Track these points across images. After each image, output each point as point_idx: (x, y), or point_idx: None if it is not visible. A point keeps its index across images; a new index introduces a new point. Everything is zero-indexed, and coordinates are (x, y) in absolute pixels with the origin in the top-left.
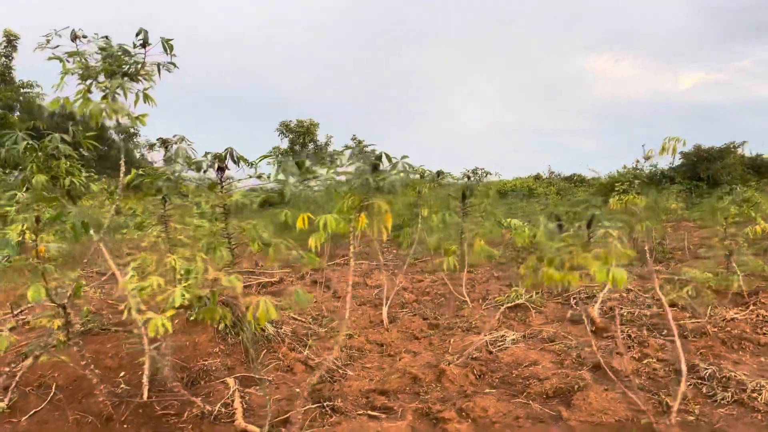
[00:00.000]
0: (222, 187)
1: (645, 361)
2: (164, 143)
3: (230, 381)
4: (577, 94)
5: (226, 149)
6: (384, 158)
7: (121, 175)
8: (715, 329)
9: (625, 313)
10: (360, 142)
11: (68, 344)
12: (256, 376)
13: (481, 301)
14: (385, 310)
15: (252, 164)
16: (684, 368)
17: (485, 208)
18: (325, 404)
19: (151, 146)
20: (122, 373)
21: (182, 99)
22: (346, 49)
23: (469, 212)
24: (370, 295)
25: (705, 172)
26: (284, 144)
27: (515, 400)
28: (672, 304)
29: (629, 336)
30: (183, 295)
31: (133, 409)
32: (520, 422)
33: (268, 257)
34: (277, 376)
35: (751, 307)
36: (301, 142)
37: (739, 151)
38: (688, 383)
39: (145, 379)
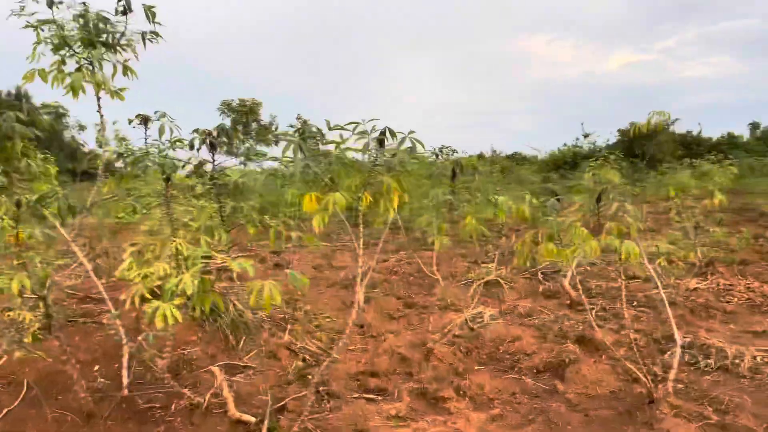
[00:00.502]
0: (214, 166)
1: (623, 332)
2: (144, 120)
3: (215, 370)
4: (517, 74)
5: (217, 125)
6: (388, 133)
7: (103, 155)
8: (681, 299)
9: (593, 287)
10: (305, 121)
11: (44, 338)
12: (240, 364)
13: (450, 278)
14: (360, 290)
15: (244, 140)
16: (678, 338)
17: (477, 185)
18: (320, 389)
19: (82, 127)
20: (97, 367)
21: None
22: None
23: (459, 189)
24: (336, 277)
25: (640, 149)
26: (227, 123)
27: (507, 376)
28: (634, 276)
29: (603, 308)
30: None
31: (115, 405)
32: (517, 398)
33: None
34: (262, 363)
35: (710, 278)
36: (243, 122)
37: (672, 128)
38: (670, 352)
39: (124, 372)
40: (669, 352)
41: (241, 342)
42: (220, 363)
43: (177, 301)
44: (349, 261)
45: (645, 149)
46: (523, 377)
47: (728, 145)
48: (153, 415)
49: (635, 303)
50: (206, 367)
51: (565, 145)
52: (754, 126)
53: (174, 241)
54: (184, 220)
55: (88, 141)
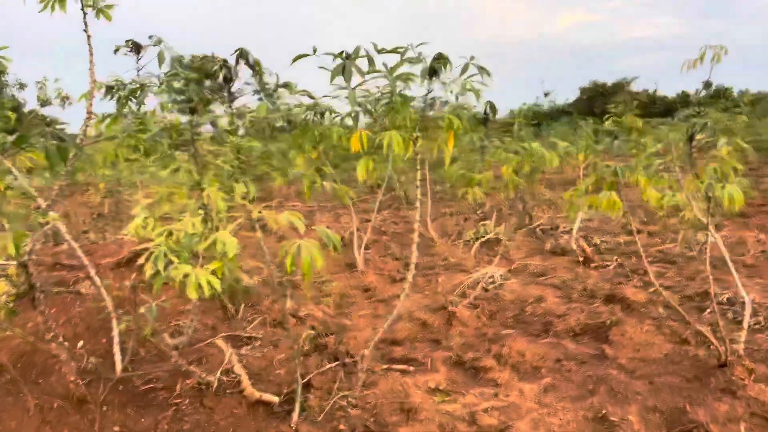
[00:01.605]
0: (231, 100)
1: (651, 290)
2: (136, 47)
3: (220, 343)
4: (467, 33)
5: (237, 50)
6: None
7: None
8: (692, 254)
9: (599, 243)
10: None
11: (16, 313)
12: (244, 335)
13: (447, 237)
14: (360, 252)
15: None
16: (747, 298)
17: (516, 132)
18: (345, 361)
19: (22, 86)
20: (80, 343)
21: (45, 36)
22: None
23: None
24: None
25: (600, 107)
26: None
27: (543, 340)
28: (637, 231)
29: (621, 265)
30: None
31: (110, 388)
32: (565, 365)
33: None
34: (268, 333)
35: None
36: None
37: (630, 87)
38: (709, 310)
39: (116, 349)
40: (709, 309)
41: (241, 310)
42: (223, 335)
43: (214, 265)
44: (330, 221)
45: (604, 108)
46: (561, 341)
47: (683, 104)
48: (156, 397)
49: (650, 259)
50: (207, 340)
51: (524, 104)
52: (707, 84)
53: (203, 189)
54: (216, 162)
55: (28, 100)
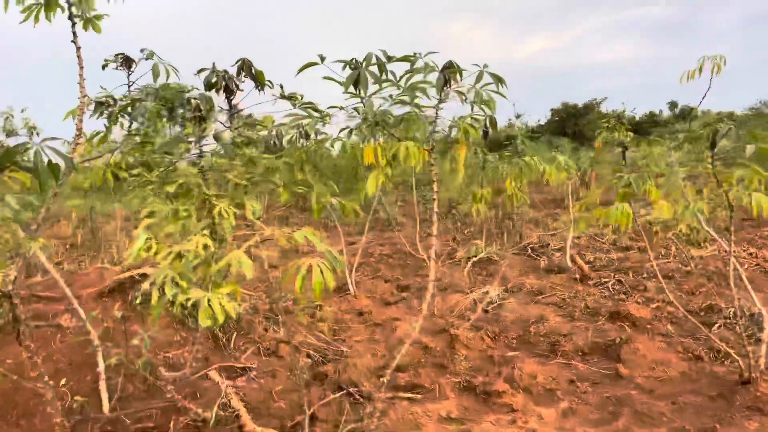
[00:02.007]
0: (232, 115)
1: (654, 306)
2: (127, 61)
3: (214, 375)
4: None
5: (238, 60)
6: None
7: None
8: (687, 268)
9: (592, 260)
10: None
11: None
12: (238, 366)
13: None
14: (350, 275)
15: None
16: (765, 312)
17: (520, 145)
18: (349, 389)
19: None
20: (63, 380)
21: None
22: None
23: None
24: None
25: (572, 128)
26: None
27: (553, 361)
28: (627, 248)
29: (619, 281)
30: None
31: (99, 428)
32: (579, 386)
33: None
34: (263, 362)
35: (708, 246)
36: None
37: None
38: (718, 324)
39: (102, 386)
40: (717, 324)
41: (233, 339)
42: (216, 366)
43: (228, 287)
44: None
45: (577, 128)
46: (571, 362)
47: (650, 124)
48: None
49: (644, 275)
50: (200, 372)
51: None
52: (673, 104)
53: (215, 204)
54: (229, 176)
55: None
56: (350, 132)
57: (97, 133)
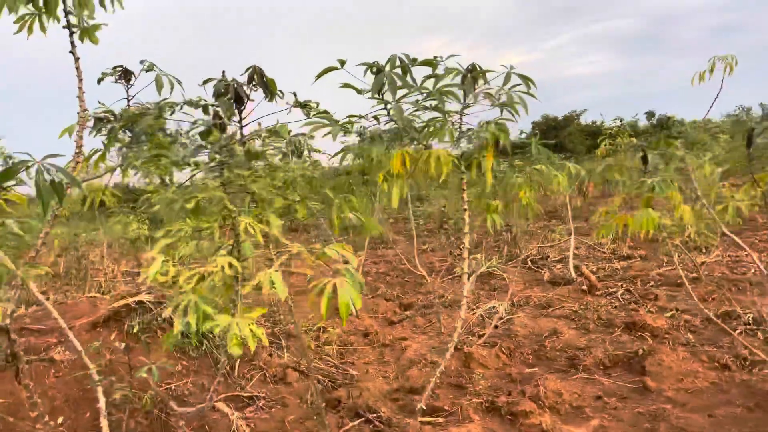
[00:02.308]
0: (242, 127)
1: (667, 314)
2: (125, 74)
3: (222, 406)
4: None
5: (249, 67)
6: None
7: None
8: (694, 275)
9: (596, 270)
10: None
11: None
12: (244, 395)
13: (435, 274)
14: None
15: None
16: None
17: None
18: (368, 415)
19: None
20: (60, 419)
21: None
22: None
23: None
24: (301, 282)
25: (553, 139)
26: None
27: (575, 377)
28: (628, 257)
29: (628, 291)
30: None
31: None
32: (607, 402)
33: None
34: (271, 390)
35: (712, 251)
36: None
37: (580, 120)
38: (738, 331)
39: (104, 423)
40: (738, 331)
41: (236, 367)
42: (223, 396)
43: (257, 312)
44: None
45: (558, 140)
46: (594, 376)
47: (631, 134)
48: None
49: (651, 283)
50: (202, 402)
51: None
52: (650, 114)
53: (240, 221)
54: (254, 187)
55: None
56: (371, 140)
57: (96, 151)
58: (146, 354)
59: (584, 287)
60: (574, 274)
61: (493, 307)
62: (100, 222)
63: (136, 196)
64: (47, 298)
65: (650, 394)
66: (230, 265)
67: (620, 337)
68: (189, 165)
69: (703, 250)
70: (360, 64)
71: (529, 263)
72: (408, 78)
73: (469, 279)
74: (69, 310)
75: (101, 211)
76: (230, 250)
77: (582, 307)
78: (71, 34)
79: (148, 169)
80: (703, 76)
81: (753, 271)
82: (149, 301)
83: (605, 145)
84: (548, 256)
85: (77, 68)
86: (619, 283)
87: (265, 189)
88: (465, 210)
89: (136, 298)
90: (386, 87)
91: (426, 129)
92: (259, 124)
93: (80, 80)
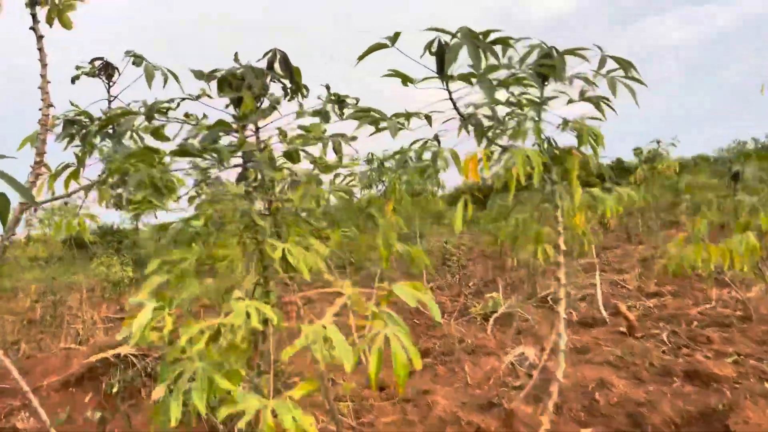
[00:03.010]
0: (258, 126)
1: (731, 360)
2: (107, 68)
3: None
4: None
5: (268, 52)
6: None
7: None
8: (738, 313)
9: (627, 308)
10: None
11: None
12: None
13: (447, 315)
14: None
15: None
16: None
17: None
18: None
19: None
20: None
21: None
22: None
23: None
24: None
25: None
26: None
27: None
28: (656, 293)
29: (674, 332)
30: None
31: None
32: None
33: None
34: None
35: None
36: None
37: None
38: None
39: None
40: None
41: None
42: None
43: (301, 389)
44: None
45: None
46: None
47: (620, 169)
48: None
49: (695, 323)
50: None
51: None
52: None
53: (275, 246)
54: (293, 198)
55: None
56: (436, 140)
57: (66, 166)
58: (126, 425)
59: (622, 328)
60: (605, 314)
61: (522, 353)
62: (82, 264)
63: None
64: (18, 349)
65: None
66: (258, 313)
67: (683, 388)
68: (202, 155)
69: (737, 284)
70: (428, 45)
71: (550, 301)
72: (486, 57)
73: (489, 322)
74: (39, 365)
75: (81, 253)
76: (249, 291)
77: (627, 351)
78: (33, 4)
79: (133, 166)
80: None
81: None
82: (131, 354)
83: (641, 170)
84: (570, 294)
85: (40, 50)
86: (660, 324)
87: (307, 201)
88: (560, 234)
89: (116, 351)
90: (451, 66)
91: (504, 123)
92: (280, 130)
93: (44, 65)
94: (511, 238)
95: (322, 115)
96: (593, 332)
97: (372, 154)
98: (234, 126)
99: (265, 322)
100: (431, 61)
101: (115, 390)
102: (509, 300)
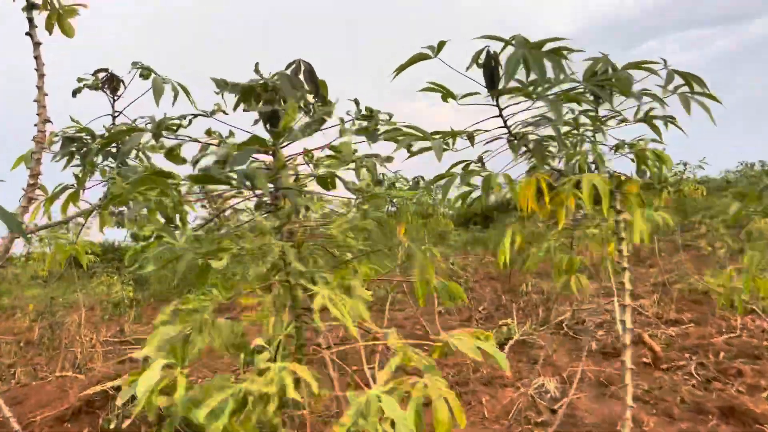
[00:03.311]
0: (277, 145)
1: (766, 395)
2: (111, 81)
3: None
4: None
5: (292, 63)
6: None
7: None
8: (766, 343)
9: (650, 335)
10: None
11: None
12: None
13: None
14: (375, 371)
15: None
16: None
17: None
18: None
19: None
20: None
21: None
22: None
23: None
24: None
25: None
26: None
27: None
28: (675, 321)
29: (701, 364)
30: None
31: None
32: None
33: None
34: None
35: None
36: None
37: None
38: None
39: None
40: None
41: None
42: None
43: None
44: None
45: None
46: None
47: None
48: None
49: (722, 354)
50: None
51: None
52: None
53: (312, 290)
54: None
55: None
56: (480, 163)
57: (64, 188)
58: None
59: (646, 359)
60: (628, 342)
61: (542, 385)
62: (83, 283)
63: (120, 255)
64: (14, 373)
65: None
66: (294, 378)
67: (718, 427)
68: (229, 182)
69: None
70: (476, 55)
71: (565, 328)
72: (533, 69)
73: (504, 350)
74: (33, 395)
75: (82, 272)
76: (272, 341)
77: (654, 386)
78: (30, 7)
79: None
80: None
81: None
82: None
83: (668, 193)
84: (584, 321)
85: (36, 58)
86: (685, 354)
87: (345, 234)
88: (625, 270)
89: (114, 383)
90: (503, 80)
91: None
92: (306, 151)
93: (40, 76)
94: (533, 264)
95: (370, 134)
96: (616, 363)
97: (421, 177)
98: (270, 145)
99: (297, 381)
100: (441, 73)
101: (112, 426)
102: (524, 326)
